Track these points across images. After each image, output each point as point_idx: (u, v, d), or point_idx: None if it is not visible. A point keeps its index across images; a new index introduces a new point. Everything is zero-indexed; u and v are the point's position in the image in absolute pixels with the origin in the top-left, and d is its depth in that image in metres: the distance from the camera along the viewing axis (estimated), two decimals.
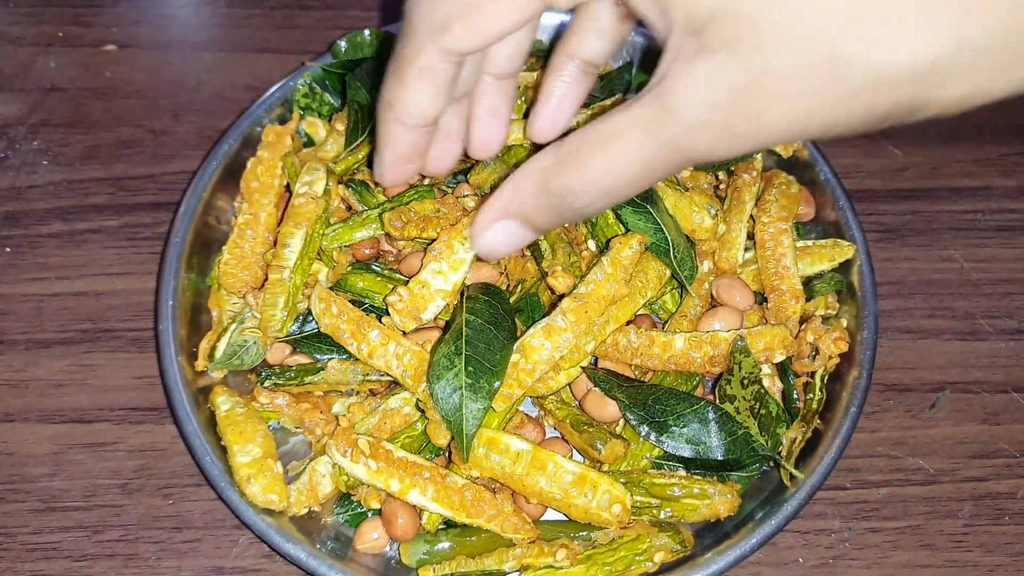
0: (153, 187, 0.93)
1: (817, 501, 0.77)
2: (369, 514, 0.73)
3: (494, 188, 0.80)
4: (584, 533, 0.71)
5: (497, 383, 0.69)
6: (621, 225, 0.77)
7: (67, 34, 1.03)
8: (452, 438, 0.70)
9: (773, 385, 0.77)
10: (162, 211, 0.91)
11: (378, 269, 0.79)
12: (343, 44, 0.90)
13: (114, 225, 0.90)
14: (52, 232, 0.90)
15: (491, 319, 0.72)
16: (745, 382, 0.73)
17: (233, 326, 0.76)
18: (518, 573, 0.70)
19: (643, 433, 0.72)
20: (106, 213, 0.91)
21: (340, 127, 0.85)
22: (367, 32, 0.90)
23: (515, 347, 0.71)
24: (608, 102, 0.86)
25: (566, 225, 0.80)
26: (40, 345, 0.84)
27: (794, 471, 0.71)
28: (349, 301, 0.76)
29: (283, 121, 0.88)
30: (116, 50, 1.03)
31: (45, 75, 1.00)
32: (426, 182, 0.82)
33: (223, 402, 0.74)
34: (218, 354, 0.75)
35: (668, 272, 0.77)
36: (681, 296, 0.80)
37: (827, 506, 0.77)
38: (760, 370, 0.73)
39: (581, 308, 0.71)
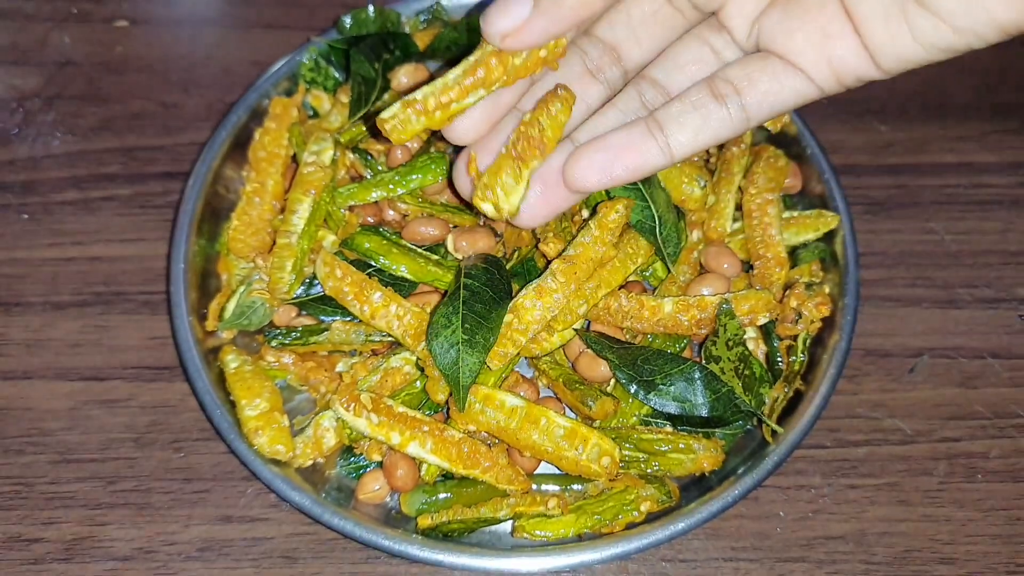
0: (164, 157, 0.96)
1: (798, 459, 0.80)
2: (371, 466, 0.77)
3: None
4: (575, 486, 0.75)
5: (492, 338, 0.72)
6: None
7: (81, 10, 1.07)
8: (450, 394, 0.73)
9: (758, 348, 0.80)
10: (173, 180, 0.94)
11: (385, 232, 0.82)
12: (347, 20, 0.93)
13: (126, 194, 0.94)
14: (67, 200, 0.93)
15: (488, 283, 0.75)
16: (730, 344, 0.76)
17: (242, 288, 0.80)
18: (511, 521, 0.74)
19: (632, 391, 0.75)
20: (119, 182, 0.94)
21: (344, 99, 0.88)
22: (371, 8, 0.93)
23: (508, 307, 0.74)
24: None
25: None
26: (56, 307, 0.87)
27: (775, 426, 0.74)
28: (355, 261, 0.79)
29: (289, 94, 0.91)
30: (128, 25, 1.06)
31: (59, 50, 1.04)
32: (432, 150, 0.85)
33: (232, 360, 0.78)
34: (227, 314, 0.79)
35: None
36: (669, 268, 0.83)
37: (808, 464, 0.80)
38: (744, 332, 0.77)
39: (570, 269, 0.74)
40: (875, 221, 0.93)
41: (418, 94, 0.63)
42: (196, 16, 1.07)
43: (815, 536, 0.77)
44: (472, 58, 0.62)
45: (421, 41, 0.94)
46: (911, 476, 0.80)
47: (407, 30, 0.95)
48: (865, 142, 0.97)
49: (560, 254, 0.76)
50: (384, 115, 0.63)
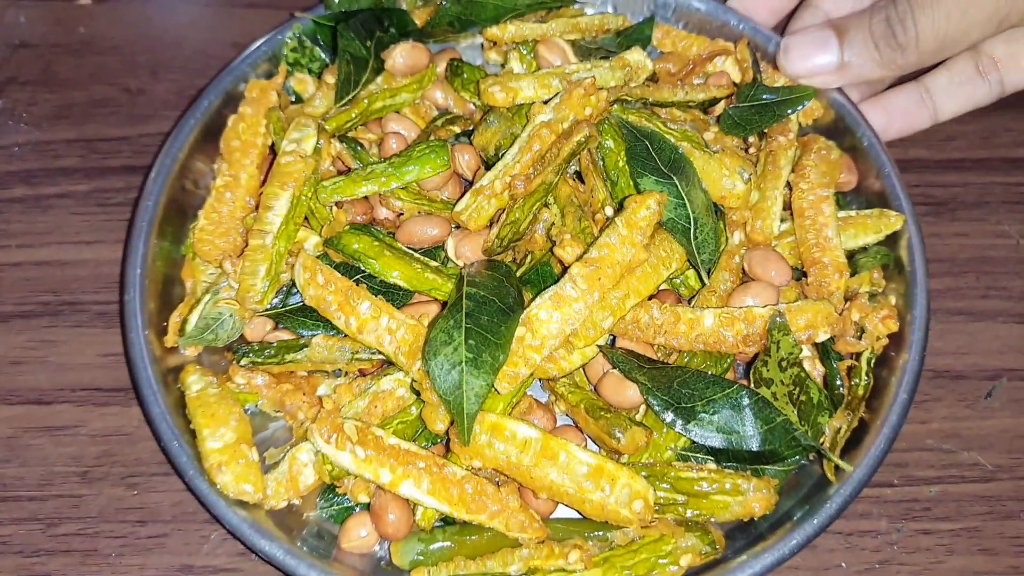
0: (128, 149, 0.87)
1: (861, 499, 0.70)
2: (356, 509, 0.67)
3: (498, 150, 0.73)
4: (600, 533, 0.65)
5: (502, 357, 0.62)
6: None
7: None
8: (451, 423, 0.63)
9: (814, 369, 0.70)
10: (136, 175, 0.85)
11: (377, 232, 0.72)
12: None
13: (83, 190, 0.84)
14: (15, 197, 0.84)
15: (494, 290, 0.65)
16: (783, 364, 0.66)
17: (207, 297, 0.70)
18: None
19: (668, 420, 0.65)
20: (75, 177, 0.85)
21: (331, 80, 0.78)
22: None
23: (520, 319, 0.64)
24: None
25: (581, 190, 0.73)
26: None
27: (841, 463, 0.64)
28: (341, 265, 0.70)
29: (269, 77, 0.81)
30: (92, 4, 0.96)
31: (14, 31, 0.94)
32: (432, 139, 0.75)
33: (194, 381, 0.68)
34: (189, 327, 0.69)
35: None
36: (703, 279, 0.72)
37: (872, 505, 0.71)
38: (800, 351, 0.66)
39: (594, 274, 0.64)
40: (938, 223, 0.84)
41: (484, 180, 0.70)
42: None
43: None
44: (524, 135, 0.71)
45: (419, 19, 0.84)
46: (994, 520, 0.70)
47: (403, 6, 0.84)
48: (924, 134, 0.87)
49: (580, 257, 0.65)
50: (458, 208, 0.70)
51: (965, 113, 0.85)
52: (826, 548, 0.68)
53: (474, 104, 0.81)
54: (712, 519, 0.65)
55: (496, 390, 0.63)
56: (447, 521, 0.66)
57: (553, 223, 0.73)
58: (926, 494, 0.71)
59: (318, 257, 0.70)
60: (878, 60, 0.76)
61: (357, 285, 0.67)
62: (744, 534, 0.65)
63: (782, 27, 0.83)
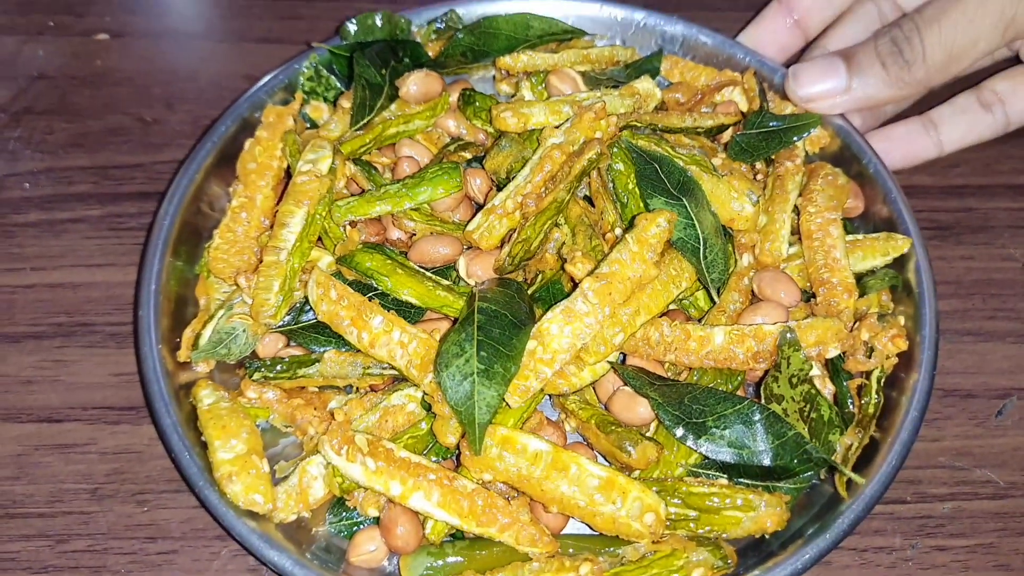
0: (141, 176, 0.87)
1: (875, 516, 0.69)
2: (366, 523, 0.66)
3: (509, 173, 0.74)
4: (611, 549, 0.64)
5: (513, 368, 0.62)
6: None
7: (58, 23, 0.99)
8: (462, 435, 0.63)
9: (824, 388, 0.69)
10: (149, 201, 0.85)
11: (390, 251, 0.72)
12: (352, 26, 0.84)
13: (97, 215, 0.85)
14: (29, 221, 0.84)
15: (506, 305, 0.66)
16: (794, 380, 0.66)
17: (221, 312, 0.70)
18: None
19: (679, 435, 0.64)
20: (89, 202, 0.85)
21: (346, 104, 0.79)
22: (378, 16, 0.85)
23: (531, 333, 0.64)
24: None
25: (591, 211, 0.74)
26: (9, 339, 0.77)
27: (854, 476, 0.63)
28: (354, 283, 0.70)
29: (285, 104, 0.82)
30: (108, 39, 0.98)
31: (32, 63, 0.96)
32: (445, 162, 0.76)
33: (206, 396, 0.67)
34: (202, 341, 0.68)
35: None
36: (712, 300, 0.72)
37: (886, 521, 0.69)
38: (811, 367, 0.66)
39: (604, 289, 0.64)
40: (943, 247, 0.84)
41: (496, 200, 0.71)
42: (183, 29, 0.99)
43: None
44: (536, 157, 0.72)
45: (432, 51, 0.85)
46: (1009, 536, 0.69)
47: (418, 39, 0.86)
48: (927, 162, 0.87)
49: (593, 272, 0.65)
50: (470, 227, 0.71)
51: None
52: (840, 564, 0.67)
53: (486, 132, 0.82)
54: (724, 535, 0.64)
55: (507, 404, 0.63)
56: (457, 536, 0.65)
57: (564, 243, 0.73)
58: (940, 511, 0.70)
59: (331, 275, 0.70)
60: (885, 79, 0.76)
61: (370, 300, 0.67)
62: (756, 552, 0.64)
63: (788, 65, 0.84)
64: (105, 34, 0.98)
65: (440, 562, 0.63)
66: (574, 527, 0.65)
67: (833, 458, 0.65)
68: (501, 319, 0.64)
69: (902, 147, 0.84)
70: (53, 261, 0.81)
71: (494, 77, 0.88)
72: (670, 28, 0.89)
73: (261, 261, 0.70)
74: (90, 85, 0.94)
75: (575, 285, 0.68)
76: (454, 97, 0.82)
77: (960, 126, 0.83)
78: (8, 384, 0.75)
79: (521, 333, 0.63)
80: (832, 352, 0.67)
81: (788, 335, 0.66)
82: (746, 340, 0.67)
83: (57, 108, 0.92)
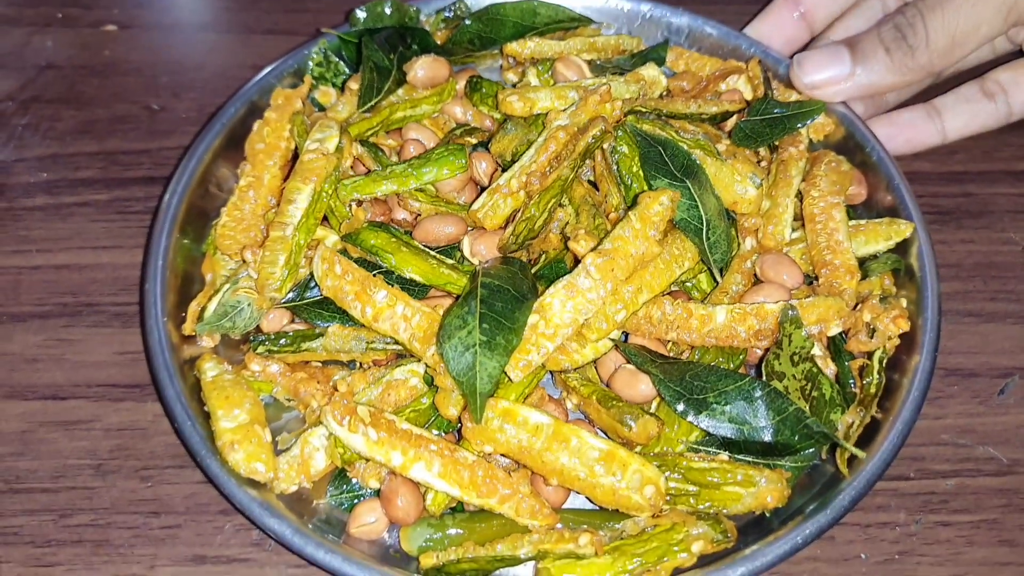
0: (148, 162, 0.88)
1: (878, 492, 0.69)
2: (367, 495, 0.66)
3: (514, 156, 0.74)
4: (611, 523, 0.63)
5: (515, 340, 0.62)
6: None
7: (67, 15, 1.00)
8: (464, 408, 0.62)
9: (826, 368, 0.69)
10: (156, 186, 0.86)
11: (395, 230, 0.73)
12: (361, 13, 0.85)
13: (104, 199, 0.85)
14: (36, 205, 0.84)
15: (509, 280, 0.66)
16: (795, 358, 0.65)
17: (226, 286, 0.70)
18: (534, 563, 0.62)
19: (679, 410, 0.64)
20: (96, 187, 0.86)
21: (354, 86, 0.80)
22: (387, 4, 0.85)
23: (533, 307, 0.64)
24: None
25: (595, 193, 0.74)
26: (15, 319, 0.77)
27: (855, 450, 0.63)
28: (359, 261, 0.70)
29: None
30: (116, 30, 0.99)
31: (41, 54, 0.96)
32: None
33: (210, 368, 0.68)
34: (207, 314, 0.68)
35: None
36: (715, 280, 0.72)
37: (890, 498, 0.69)
38: (812, 345, 0.66)
39: (607, 264, 0.64)
40: (944, 231, 0.84)
41: (501, 180, 0.71)
42: (190, 21, 1.00)
43: None
44: (541, 139, 0.72)
45: (440, 39, 0.86)
46: (1013, 512, 0.69)
47: (426, 28, 0.87)
48: (927, 149, 0.87)
49: (596, 247, 0.65)
50: (474, 207, 0.71)
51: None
52: (845, 540, 0.67)
53: (492, 118, 0.82)
54: (724, 511, 0.63)
55: (508, 378, 0.63)
56: (457, 509, 0.64)
57: (567, 222, 0.73)
58: (943, 487, 0.69)
59: (341, 240, 0.71)
60: (889, 65, 0.77)
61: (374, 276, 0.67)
62: (756, 529, 0.64)
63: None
64: (113, 25, 0.99)
65: (440, 534, 0.62)
66: (574, 503, 0.64)
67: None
68: (504, 293, 0.64)
69: (906, 132, 0.84)
70: (59, 243, 0.82)
71: (501, 67, 0.89)
72: (676, 19, 0.90)
73: (267, 237, 0.70)
74: (98, 75, 0.95)
75: (578, 261, 0.68)
76: (461, 84, 0.83)
77: (963, 114, 0.84)
78: (13, 362, 0.75)
79: (524, 307, 0.64)
80: (834, 330, 0.67)
81: (790, 312, 0.66)
82: (748, 318, 0.67)
83: (65, 97, 0.93)
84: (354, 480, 0.65)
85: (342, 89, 0.84)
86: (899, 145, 0.84)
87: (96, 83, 0.94)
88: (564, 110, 0.75)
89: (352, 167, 0.77)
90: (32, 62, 0.95)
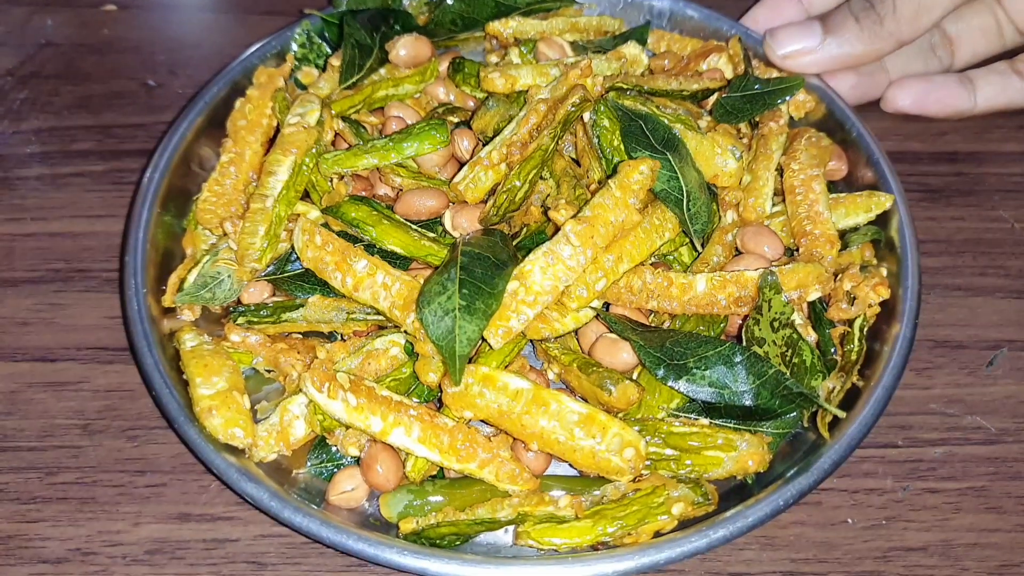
0: (143, 135, 0.85)
1: (865, 459, 0.66)
2: (346, 462, 0.63)
3: (496, 132, 0.73)
4: (592, 491, 0.61)
5: (495, 305, 0.59)
6: None
7: None
8: (444, 373, 0.60)
9: (807, 335, 0.66)
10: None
11: (376, 204, 0.70)
12: None
13: (99, 170, 0.83)
14: (31, 175, 0.82)
15: (489, 248, 0.63)
16: (775, 324, 0.63)
17: (207, 257, 0.68)
18: (513, 528, 0.60)
19: (660, 376, 0.61)
20: (91, 159, 0.83)
21: (336, 63, 0.78)
22: None
23: (513, 274, 0.61)
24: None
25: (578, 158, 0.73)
26: (7, 284, 0.75)
27: (835, 410, 0.61)
28: (340, 234, 0.67)
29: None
30: (116, 10, 0.96)
31: (40, 32, 0.94)
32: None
33: (189, 339, 0.65)
34: (187, 285, 0.66)
35: None
36: (696, 250, 0.70)
37: (877, 464, 0.66)
38: (792, 311, 0.63)
39: (587, 231, 0.62)
40: (934, 208, 0.82)
41: (482, 153, 0.69)
42: (189, 2, 0.98)
43: (891, 547, 0.63)
44: (523, 113, 0.70)
45: (422, 21, 0.84)
46: (1001, 480, 0.66)
47: (409, 11, 0.86)
48: (918, 129, 0.86)
49: (576, 215, 0.64)
50: (456, 180, 0.69)
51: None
52: (832, 505, 0.64)
53: (475, 98, 0.79)
54: (706, 476, 0.61)
55: (488, 344, 0.60)
56: (438, 476, 0.62)
57: (548, 195, 0.71)
58: (931, 455, 0.66)
59: (322, 212, 0.69)
60: (859, 33, 0.76)
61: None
62: (736, 496, 0.61)
63: None
64: (112, 5, 0.96)
65: (420, 500, 0.60)
66: (556, 471, 0.62)
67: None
68: (484, 261, 0.61)
69: (939, 92, 0.85)
70: (54, 212, 0.79)
71: (484, 49, 0.86)
72: (658, 3, 0.87)
73: (248, 209, 0.68)
74: (96, 52, 0.92)
75: (558, 229, 0.67)
76: (444, 66, 0.80)
77: (994, 85, 0.84)
78: (4, 325, 0.72)
79: (503, 273, 0.61)
80: (813, 295, 0.64)
81: (769, 277, 0.63)
82: (728, 286, 0.64)
83: (63, 73, 0.90)
84: (334, 448, 0.63)
85: (324, 69, 0.82)
86: (929, 104, 0.84)
87: (94, 60, 0.91)
88: (546, 86, 0.74)
89: (334, 143, 0.74)
90: (32, 40, 0.93)
